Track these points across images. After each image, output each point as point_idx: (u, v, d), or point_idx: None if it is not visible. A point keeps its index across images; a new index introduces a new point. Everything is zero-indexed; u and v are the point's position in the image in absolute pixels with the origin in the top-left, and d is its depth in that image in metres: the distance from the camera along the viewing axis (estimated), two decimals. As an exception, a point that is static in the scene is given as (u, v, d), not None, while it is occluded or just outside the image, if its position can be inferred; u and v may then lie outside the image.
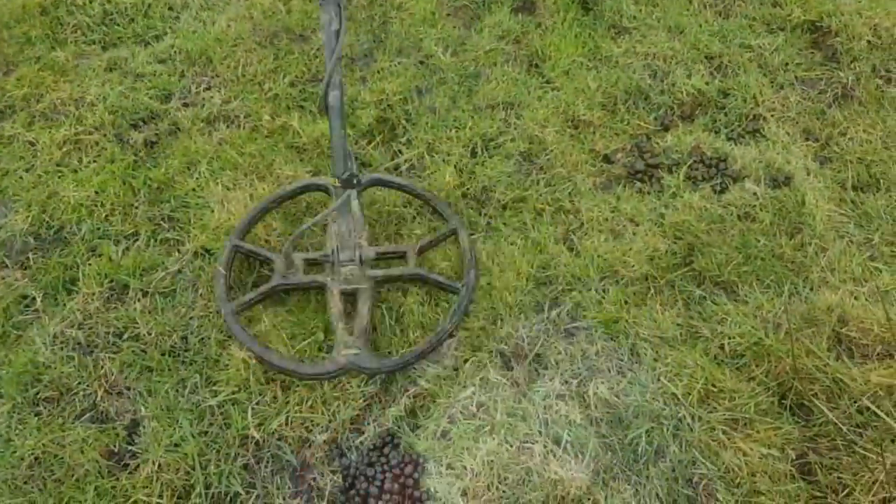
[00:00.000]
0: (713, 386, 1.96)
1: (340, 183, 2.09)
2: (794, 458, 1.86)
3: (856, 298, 2.12)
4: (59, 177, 2.47)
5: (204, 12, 3.00)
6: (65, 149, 2.55)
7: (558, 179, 2.46)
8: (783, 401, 1.95)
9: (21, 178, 2.48)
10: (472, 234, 2.29)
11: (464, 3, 3.05)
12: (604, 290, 2.18)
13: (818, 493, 1.80)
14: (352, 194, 2.14)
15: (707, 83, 2.73)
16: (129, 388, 2.02)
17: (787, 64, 2.80)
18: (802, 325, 2.06)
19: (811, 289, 2.17)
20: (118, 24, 2.99)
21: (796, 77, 2.76)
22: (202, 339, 2.09)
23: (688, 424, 1.90)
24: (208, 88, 2.74)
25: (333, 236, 2.16)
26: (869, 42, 2.80)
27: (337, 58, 1.93)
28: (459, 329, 2.09)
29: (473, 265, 2.18)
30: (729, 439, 1.87)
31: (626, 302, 2.15)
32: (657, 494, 1.81)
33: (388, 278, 2.16)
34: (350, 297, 2.11)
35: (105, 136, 2.59)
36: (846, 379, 1.92)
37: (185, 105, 2.69)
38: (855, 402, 1.89)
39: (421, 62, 2.83)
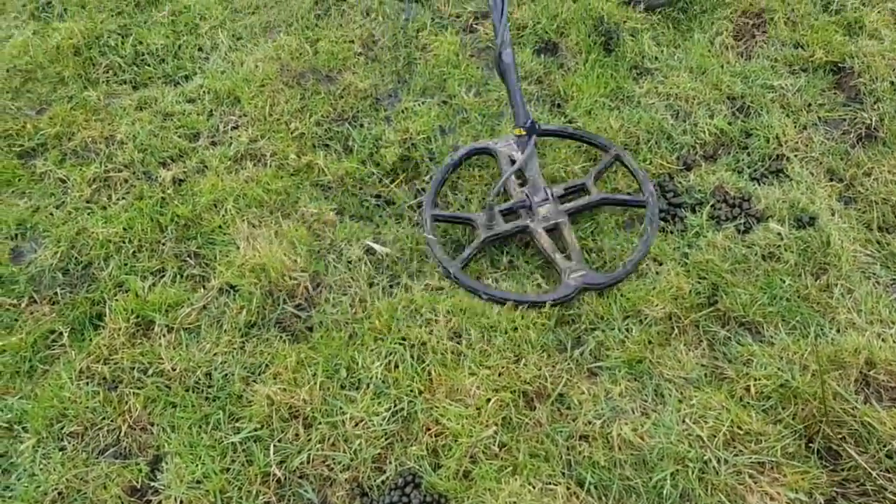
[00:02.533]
0: (739, 428, 1.94)
1: (526, 130, 2.43)
2: (823, 503, 1.82)
3: (883, 340, 2.09)
4: (89, 213, 2.51)
5: (233, 53, 3.07)
6: (94, 186, 2.60)
7: (581, 218, 2.47)
8: (811, 444, 1.92)
9: (51, 214, 2.52)
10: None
11: (487, 44, 3.09)
12: (627, 330, 2.17)
13: (848, 540, 1.77)
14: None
15: (730, 123, 2.74)
16: (152, 424, 2.03)
17: (809, 104, 2.80)
18: (829, 367, 2.03)
19: (838, 330, 2.14)
20: (149, 65, 3.06)
21: (819, 117, 2.76)
22: (226, 375, 2.10)
23: (713, 467, 1.87)
24: (236, 127, 2.79)
25: (515, 185, 2.45)
26: (892, 83, 2.80)
27: (506, 19, 2.31)
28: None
29: (647, 178, 2.47)
30: (756, 483, 1.84)
31: (649, 342, 2.14)
32: (683, 539, 1.78)
33: (580, 207, 2.43)
34: (551, 233, 2.35)
35: (134, 173, 2.64)
36: (875, 423, 1.89)
37: (213, 143, 2.74)
38: (884, 446, 1.86)
39: (444, 102, 2.87)
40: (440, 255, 2.31)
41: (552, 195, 2.41)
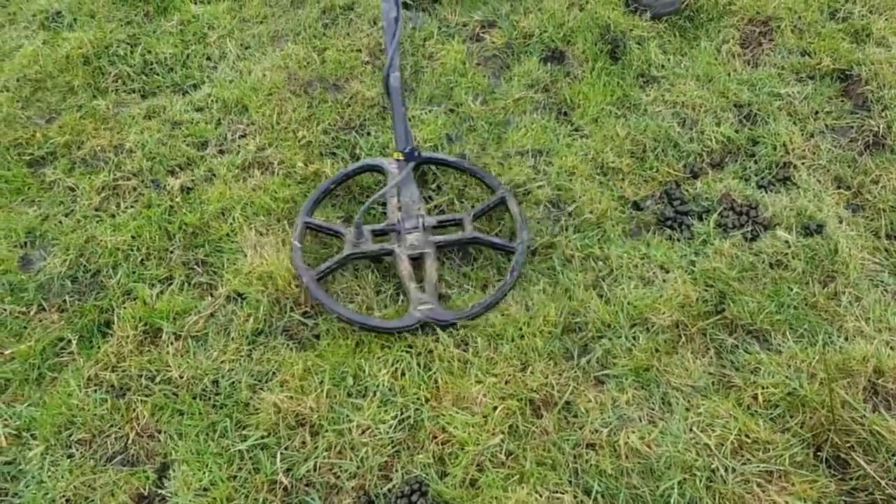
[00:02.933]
0: (747, 437, 1.93)
1: (404, 156, 2.40)
2: (832, 512, 1.82)
3: (892, 348, 2.09)
4: (98, 221, 2.53)
5: (241, 62, 3.09)
6: (103, 194, 2.61)
7: (587, 226, 2.47)
8: (819, 453, 1.91)
9: (60, 222, 2.54)
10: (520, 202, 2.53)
11: (493, 52, 3.10)
12: (634, 338, 2.17)
13: (857, 550, 1.76)
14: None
15: (737, 131, 2.74)
16: (160, 432, 2.03)
17: (817, 112, 2.80)
18: (837, 375, 2.02)
19: (846, 338, 2.14)
20: (157, 74, 3.08)
21: (826, 125, 2.76)
22: (233, 382, 2.11)
23: (721, 476, 1.87)
24: (244, 136, 2.80)
25: (394, 208, 2.42)
26: (900, 90, 2.80)
27: (397, 42, 2.32)
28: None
29: (525, 226, 2.41)
30: (764, 492, 1.83)
31: (656, 350, 2.13)
32: (690, 548, 1.77)
33: (449, 242, 2.39)
34: (416, 262, 2.32)
35: (143, 182, 2.65)
36: (884, 431, 1.88)
37: (221, 152, 2.76)
38: (893, 455, 1.85)
39: (451, 110, 2.87)
40: (298, 263, 2.29)
41: (423, 224, 2.37)
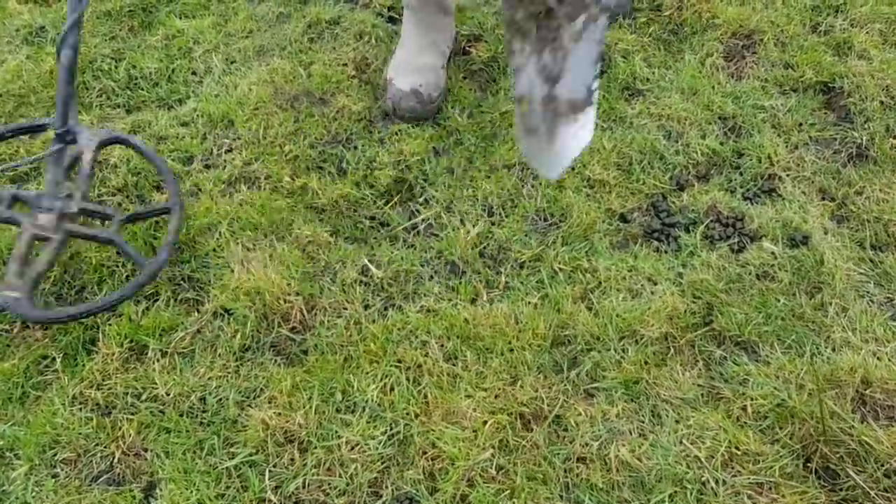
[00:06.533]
0: (736, 449, 1.93)
1: (55, 135, 2.26)
2: (822, 523, 1.82)
3: (878, 359, 2.10)
4: (82, 237, 2.50)
5: (226, 77, 3.07)
6: (88, 210, 2.59)
7: (574, 238, 2.47)
8: (808, 464, 1.92)
9: (44, 238, 2.51)
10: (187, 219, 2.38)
11: (480, 66, 3.11)
12: (623, 350, 2.17)
13: (848, 561, 1.76)
14: (89, 147, 2.29)
15: (721, 143, 2.76)
16: (146, 450, 2.01)
17: (800, 124, 2.82)
18: (826, 386, 2.03)
19: (833, 349, 2.15)
20: (142, 89, 3.06)
21: (810, 137, 2.78)
22: (220, 399, 2.09)
23: (712, 489, 1.87)
24: (230, 150, 2.79)
25: (51, 183, 2.25)
26: (882, 103, 2.83)
27: (77, 18, 2.17)
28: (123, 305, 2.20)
29: (169, 246, 2.25)
30: (754, 504, 1.84)
31: (645, 362, 2.14)
32: (682, 561, 1.77)
33: (82, 235, 2.23)
34: (41, 241, 2.17)
35: (128, 197, 2.63)
36: (872, 441, 1.89)
37: (207, 167, 2.74)
38: (882, 465, 1.86)
39: (438, 124, 2.87)
40: None
41: (61, 209, 2.20)
